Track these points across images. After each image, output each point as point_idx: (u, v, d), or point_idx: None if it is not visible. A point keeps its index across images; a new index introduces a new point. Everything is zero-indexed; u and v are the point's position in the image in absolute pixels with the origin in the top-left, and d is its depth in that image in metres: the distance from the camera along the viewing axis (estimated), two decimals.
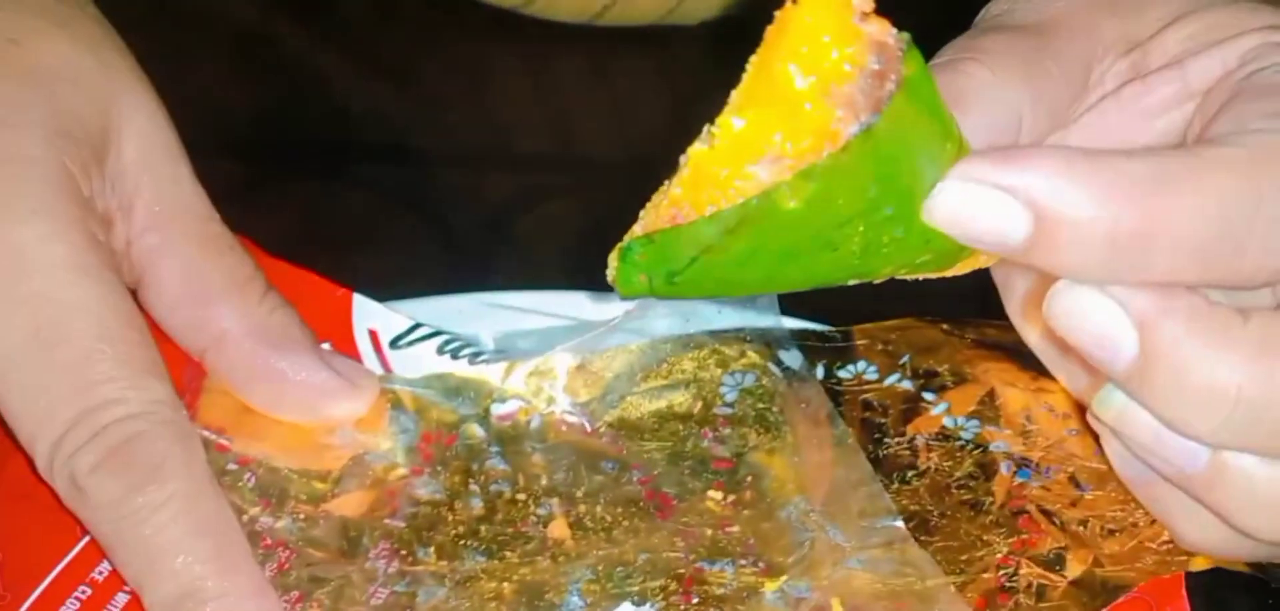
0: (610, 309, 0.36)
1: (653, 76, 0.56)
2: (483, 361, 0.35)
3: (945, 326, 0.36)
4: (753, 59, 0.22)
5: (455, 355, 0.35)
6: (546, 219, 0.48)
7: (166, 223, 0.31)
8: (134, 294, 0.30)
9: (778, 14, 0.21)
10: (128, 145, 0.31)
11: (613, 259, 0.25)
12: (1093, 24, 0.29)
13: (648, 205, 0.24)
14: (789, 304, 0.37)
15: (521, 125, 0.54)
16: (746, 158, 0.22)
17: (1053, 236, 0.22)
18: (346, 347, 0.34)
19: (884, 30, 0.21)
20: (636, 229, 0.24)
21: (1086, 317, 0.24)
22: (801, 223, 0.22)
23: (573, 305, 0.37)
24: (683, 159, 0.22)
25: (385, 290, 0.36)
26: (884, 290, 0.25)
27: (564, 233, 0.47)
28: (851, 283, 0.25)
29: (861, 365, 0.36)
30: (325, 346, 0.33)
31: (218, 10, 0.56)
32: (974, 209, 0.22)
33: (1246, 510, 0.26)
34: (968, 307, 0.35)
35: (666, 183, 0.23)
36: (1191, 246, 0.22)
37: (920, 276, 0.25)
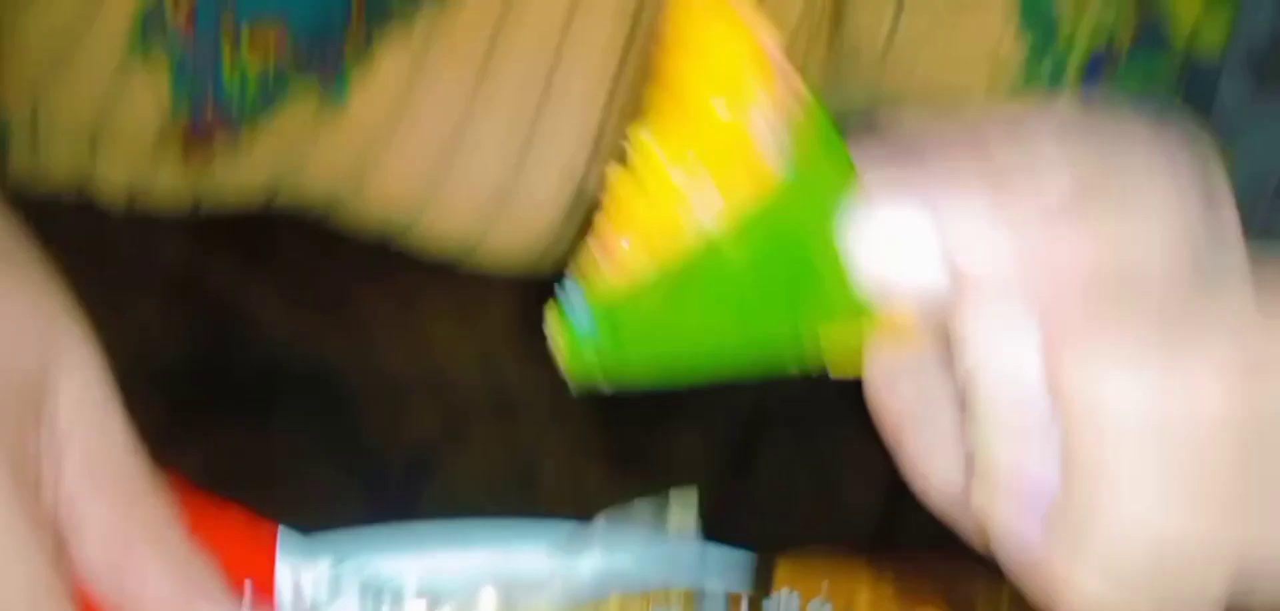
0: (538, 544, 0.36)
1: None
2: (405, 603, 0.35)
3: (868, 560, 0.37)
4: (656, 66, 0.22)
5: (378, 597, 0.35)
6: (474, 453, 0.49)
7: (94, 478, 0.31)
8: (61, 549, 0.30)
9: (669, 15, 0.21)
10: (63, 400, 0.31)
11: (554, 328, 0.23)
12: None
13: (581, 254, 0.23)
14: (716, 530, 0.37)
15: (451, 360, 0.56)
16: (666, 171, 0.21)
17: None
18: (268, 586, 0.34)
19: (775, 45, 0.21)
20: (575, 285, 0.22)
21: None
22: (744, 268, 0.22)
23: (499, 538, 0.38)
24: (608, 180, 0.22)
25: (311, 523, 0.36)
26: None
27: (491, 466, 0.47)
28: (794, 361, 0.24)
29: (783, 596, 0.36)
30: (246, 593, 0.33)
31: (155, 244, 0.57)
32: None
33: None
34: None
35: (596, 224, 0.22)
36: None
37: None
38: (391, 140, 0.54)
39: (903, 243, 0.23)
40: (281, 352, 0.54)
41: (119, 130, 0.54)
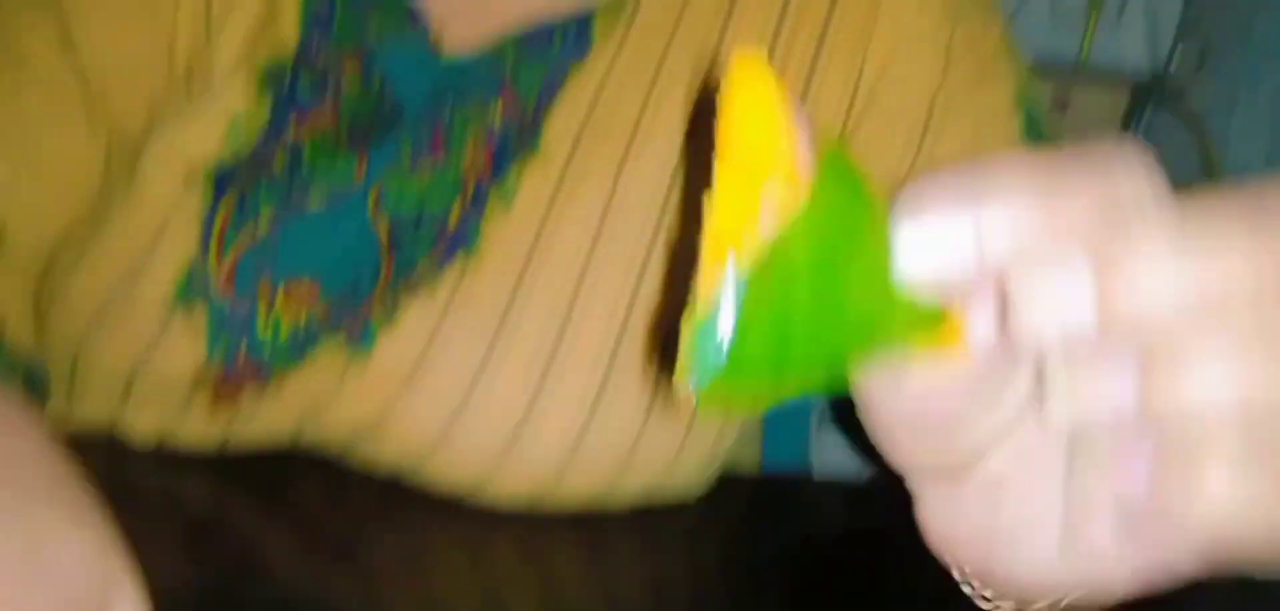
0: None
1: (584, 558, 0.60)
2: None
3: None
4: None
5: None
6: None
7: None
8: None
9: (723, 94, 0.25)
10: None
11: (681, 375, 0.25)
12: None
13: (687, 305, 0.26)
14: None
15: (455, 598, 0.57)
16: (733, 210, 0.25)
17: None
18: None
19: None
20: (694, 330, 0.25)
21: None
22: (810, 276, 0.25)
23: None
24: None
25: None
26: None
27: None
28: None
29: None
30: None
31: (177, 483, 0.59)
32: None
33: None
34: None
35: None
36: None
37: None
38: (412, 386, 0.57)
39: (952, 251, 0.25)
40: (294, 596, 0.56)
41: (154, 378, 0.57)
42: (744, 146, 0.26)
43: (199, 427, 0.58)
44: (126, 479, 0.58)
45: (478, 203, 0.59)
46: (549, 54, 0.63)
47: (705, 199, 0.26)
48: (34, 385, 0.61)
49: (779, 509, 0.69)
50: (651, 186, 0.62)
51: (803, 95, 0.62)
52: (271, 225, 0.58)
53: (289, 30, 0.62)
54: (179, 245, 0.58)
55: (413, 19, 0.64)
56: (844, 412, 0.52)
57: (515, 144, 0.61)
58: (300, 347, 0.57)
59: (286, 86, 0.62)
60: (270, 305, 0.57)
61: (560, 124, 0.61)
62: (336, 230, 0.59)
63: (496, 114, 0.62)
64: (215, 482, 0.60)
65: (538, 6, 0.64)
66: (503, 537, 0.60)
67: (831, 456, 0.84)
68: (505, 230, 0.59)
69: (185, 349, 0.56)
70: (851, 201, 0.26)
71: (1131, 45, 1.42)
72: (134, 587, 0.35)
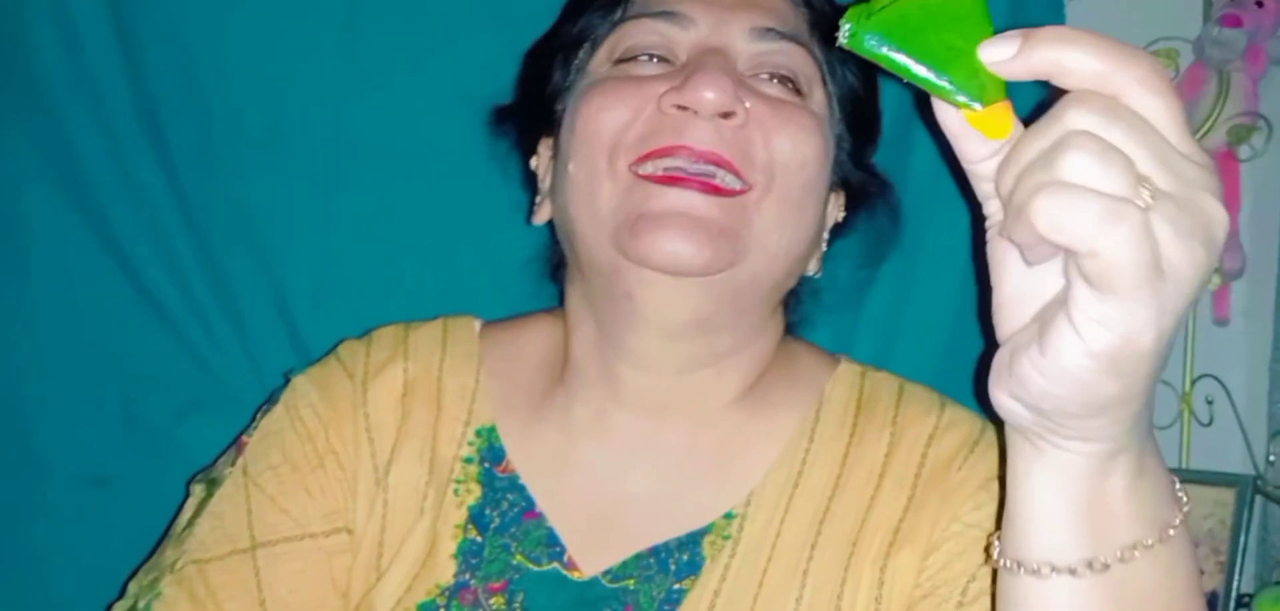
0: None
1: None
2: None
3: None
4: None
5: None
6: None
7: None
8: None
9: None
10: None
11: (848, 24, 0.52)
12: None
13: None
14: None
15: None
16: None
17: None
18: None
19: None
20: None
21: None
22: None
23: None
24: None
25: None
26: None
27: None
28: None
29: None
30: None
31: None
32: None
33: None
34: None
35: None
36: None
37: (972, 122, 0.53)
38: None
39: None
40: None
41: None
42: None
43: None
44: None
45: None
46: (666, 575, 0.76)
47: None
48: None
49: None
50: None
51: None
52: None
53: (445, 568, 0.78)
54: None
55: (551, 545, 0.79)
56: None
57: None
58: None
59: None
60: None
61: None
62: None
63: None
64: None
65: (657, 530, 0.78)
66: None
67: None
68: None
69: None
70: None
71: (1230, 447, 1.47)
72: None
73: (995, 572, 0.62)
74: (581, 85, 0.85)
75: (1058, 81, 0.50)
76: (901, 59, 0.52)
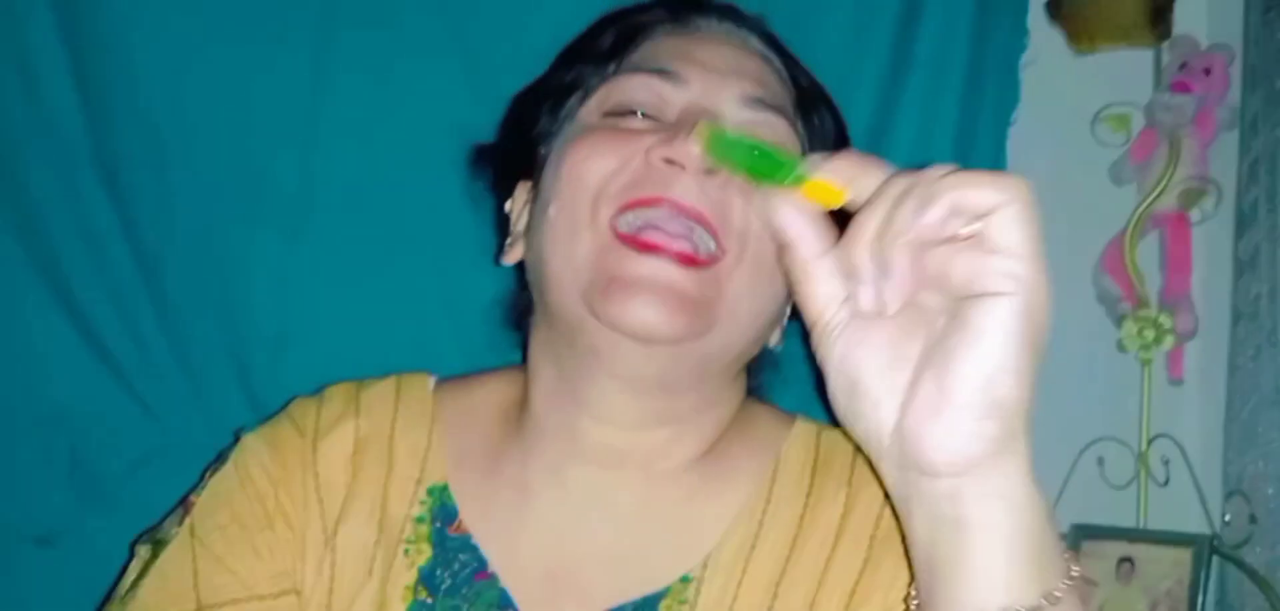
0: None
1: None
2: None
3: None
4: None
5: None
6: None
7: None
8: None
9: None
10: None
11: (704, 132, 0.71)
12: None
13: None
14: None
15: None
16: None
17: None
18: None
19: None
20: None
21: None
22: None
23: None
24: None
25: None
26: None
27: None
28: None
29: None
30: None
31: None
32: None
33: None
34: None
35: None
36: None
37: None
38: None
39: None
40: None
41: None
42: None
43: None
44: None
45: None
46: None
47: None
48: None
49: None
50: None
51: None
52: None
53: None
54: None
55: (503, 606, 0.77)
56: None
57: None
58: None
59: None
60: None
61: None
62: None
63: None
64: None
65: (612, 592, 0.77)
66: None
67: None
68: None
69: None
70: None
71: (1187, 507, 1.48)
72: None
73: None
74: (568, 132, 0.86)
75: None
76: (749, 144, 0.68)
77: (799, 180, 0.64)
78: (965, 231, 0.58)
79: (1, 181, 1.18)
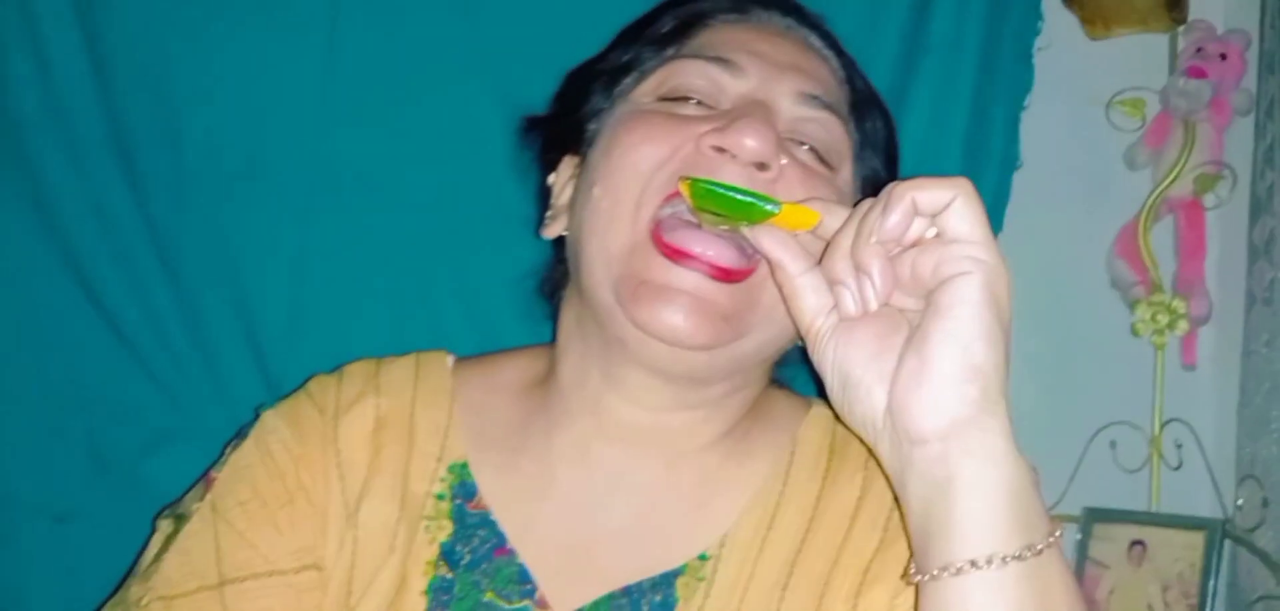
0: None
1: None
2: None
3: None
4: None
5: None
6: None
7: None
8: None
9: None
10: None
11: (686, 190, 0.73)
12: None
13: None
14: None
15: None
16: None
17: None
18: None
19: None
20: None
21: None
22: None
23: None
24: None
25: None
26: None
27: None
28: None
29: None
30: None
31: None
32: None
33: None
34: None
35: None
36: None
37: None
38: None
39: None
40: None
41: None
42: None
43: None
44: None
45: None
46: None
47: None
48: None
49: None
50: None
51: None
52: None
53: (415, 605, 0.77)
54: None
55: (522, 582, 0.78)
56: None
57: None
58: None
59: None
60: None
61: None
62: None
63: None
64: None
65: (631, 569, 0.78)
66: None
67: None
68: None
69: None
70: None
71: (1199, 491, 1.49)
72: None
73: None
74: (622, 111, 0.86)
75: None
76: (723, 191, 0.73)
77: (776, 208, 0.73)
78: (927, 235, 0.67)
79: (17, 164, 1.18)
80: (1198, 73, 1.47)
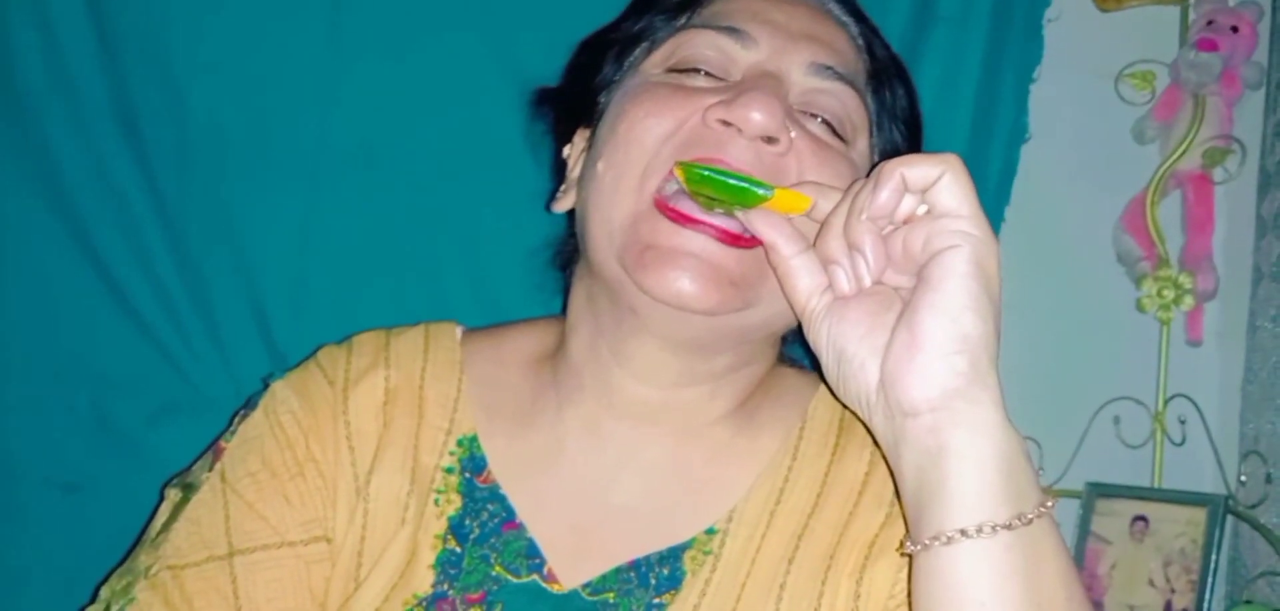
0: None
1: None
2: None
3: None
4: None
5: None
6: None
7: None
8: None
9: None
10: None
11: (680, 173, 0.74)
12: None
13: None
14: None
15: None
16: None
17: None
18: None
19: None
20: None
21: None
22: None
23: None
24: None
25: None
26: None
27: None
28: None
29: None
30: None
31: None
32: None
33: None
34: None
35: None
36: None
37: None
38: None
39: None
40: None
41: None
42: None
43: None
44: None
45: None
46: (646, 589, 0.77)
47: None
48: None
49: None
50: None
51: None
52: None
53: (423, 578, 0.77)
54: None
55: (531, 556, 0.78)
56: None
57: None
58: None
59: None
60: None
61: None
62: None
63: None
64: None
65: (638, 544, 0.78)
66: None
67: None
68: None
69: None
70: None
71: (1202, 467, 1.49)
72: None
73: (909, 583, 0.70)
74: (630, 83, 0.84)
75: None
76: (716, 176, 0.73)
77: (770, 192, 0.73)
78: (917, 212, 0.68)
79: (23, 137, 1.18)
80: (1208, 45, 1.46)
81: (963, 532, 0.64)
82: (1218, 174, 1.51)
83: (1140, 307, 1.49)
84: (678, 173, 0.74)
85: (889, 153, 0.87)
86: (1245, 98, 1.49)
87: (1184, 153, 1.48)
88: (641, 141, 0.78)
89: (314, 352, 0.92)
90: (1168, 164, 1.49)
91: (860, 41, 0.88)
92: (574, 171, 0.89)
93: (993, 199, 1.41)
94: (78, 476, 1.19)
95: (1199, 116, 1.47)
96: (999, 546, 0.64)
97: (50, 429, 1.20)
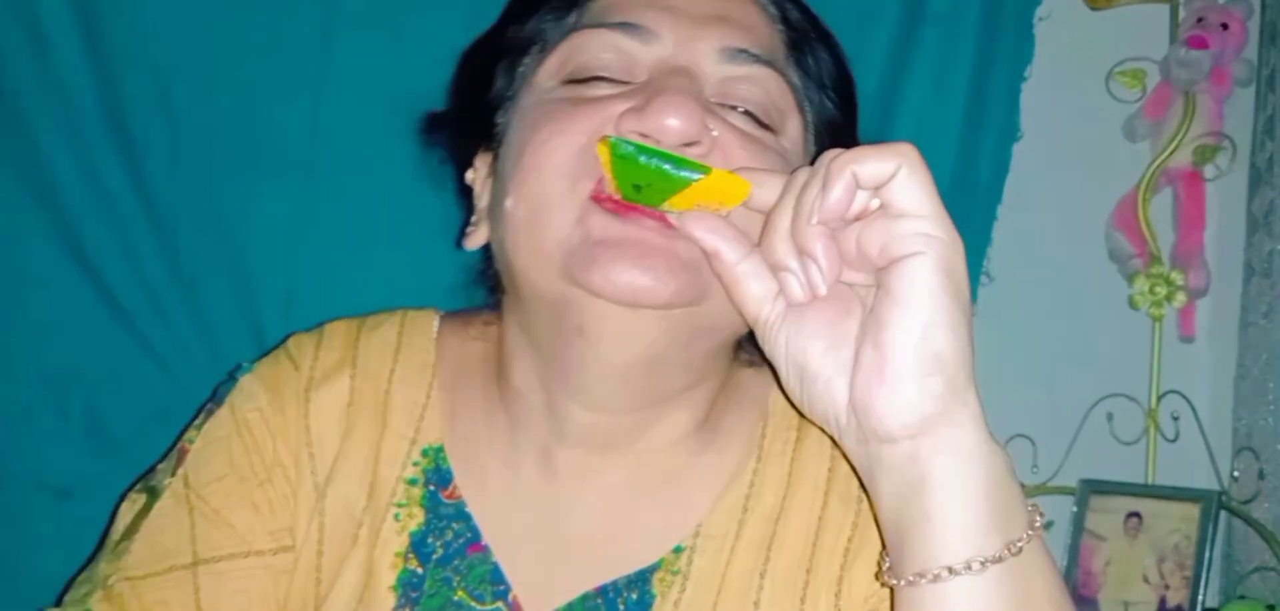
0: None
1: None
2: None
3: None
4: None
5: None
6: None
7: None
8: None
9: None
10: None
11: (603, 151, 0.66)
12: None
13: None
14: None
15: None
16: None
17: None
18: None
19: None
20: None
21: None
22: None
23: None
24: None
25: None
26: None
27: None
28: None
29: None
30: None
31: None
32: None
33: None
34: None
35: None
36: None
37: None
38: None
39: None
40: None
41: None
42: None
43: None
44: None
45: None
46: None
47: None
48: None
49: None
50: None
51: None
52: None
53: (383, 601, 0.73)
54: None
55: (496, 582, 0.75)
56: None
57: None
58: None
59: None
60: None
61: None
62: None
63: None
64: None
65: (606, 569, 0.75)
66: None
67: None
68: None
69: None
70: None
71: (1195, 463, 1.48)
72: None
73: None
74: (526, 102, 0.75)
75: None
76: (644, 158, 0.65)
77: (704, 174, 0.65)
78: (871, 206, 0.60)
79: (13, 140, 1.17)
80: (1199, 43, 1.45)
81: (950, 570, 0.59)
82: (1209, 171, 1.49)
83: (1132, 305, 1.48)
84: (600, 152, 0.65)
85: (823, 127, 0.79)
86: (1235, 94, 1.48)
87: (1175, 150, 1.47)
88: (547, 170, 0.70)
89: (284, 341, 0.86)
90: (1159, 161, 1.48)
91: (772, 10, 0.78)
92: (482, 201, 0.80)
93: (984, 197, 1.39)
94: (71, 481, 1.18)
95: (1190, 114, 1.46)
96: (989, 580, 0.59)
97: (43, 434, 1.19)
